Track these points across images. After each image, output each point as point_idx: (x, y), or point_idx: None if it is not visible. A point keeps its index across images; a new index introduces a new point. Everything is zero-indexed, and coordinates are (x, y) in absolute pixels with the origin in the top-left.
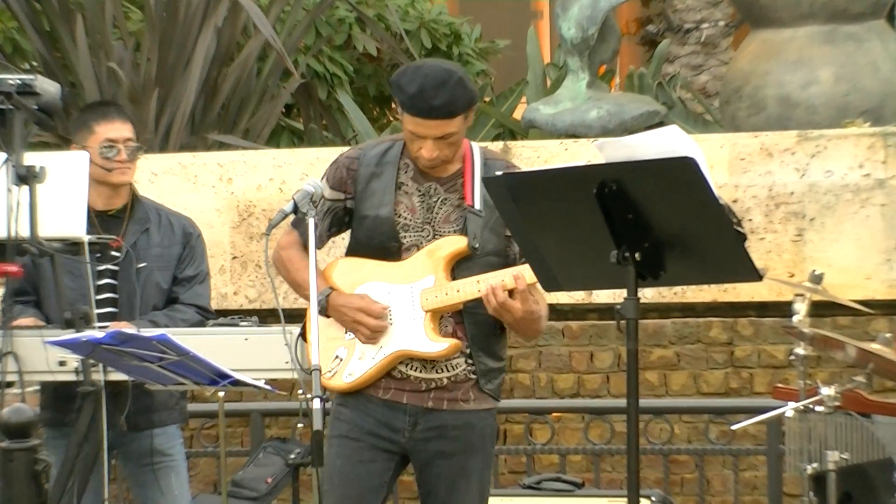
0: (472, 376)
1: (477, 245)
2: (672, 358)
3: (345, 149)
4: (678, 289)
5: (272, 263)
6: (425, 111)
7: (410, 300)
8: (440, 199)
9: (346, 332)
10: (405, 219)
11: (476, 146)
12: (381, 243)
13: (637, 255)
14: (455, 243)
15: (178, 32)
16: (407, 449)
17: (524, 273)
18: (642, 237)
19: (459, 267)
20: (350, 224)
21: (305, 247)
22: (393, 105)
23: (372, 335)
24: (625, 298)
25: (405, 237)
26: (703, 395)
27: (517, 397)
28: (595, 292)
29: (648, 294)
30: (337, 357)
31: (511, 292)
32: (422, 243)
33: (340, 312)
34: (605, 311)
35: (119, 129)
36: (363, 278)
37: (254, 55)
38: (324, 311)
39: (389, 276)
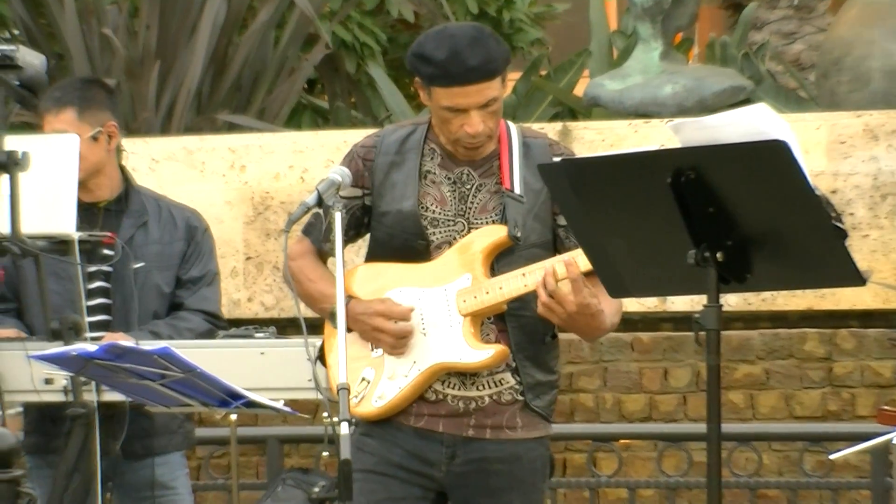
0: (520, 397)
1: (519, 234)
2: (760, 375)
3: (373, 132)
4: (767, 295)
5: (284, 275)
6: (463, 76)
7: (445, 305)
8: (474, 186)
9: (372, 350)
10: (433, 212)
11: (511, 124)
12: (406, 242)
13: (719, 254)
14: (493, 233)
15: None
16: (444, 485)
17: (577, 259)
18: (725, 234)
19: (499, 262)
20: (370, 225)
21: (320, 255)
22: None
23: (396, 343)
24: (704, 306)
25: (434, 233)
26: (797, 419)
27: (578, 421)
28: (670, 299)
29: (732, 301)
30: (363, 379)
31: None
32: (454, 239)
33: (360, 322)
34: (682, 320)
35: (49, 124)
36: (387, 285)
37: (270, 21)
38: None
39: (418, 279)
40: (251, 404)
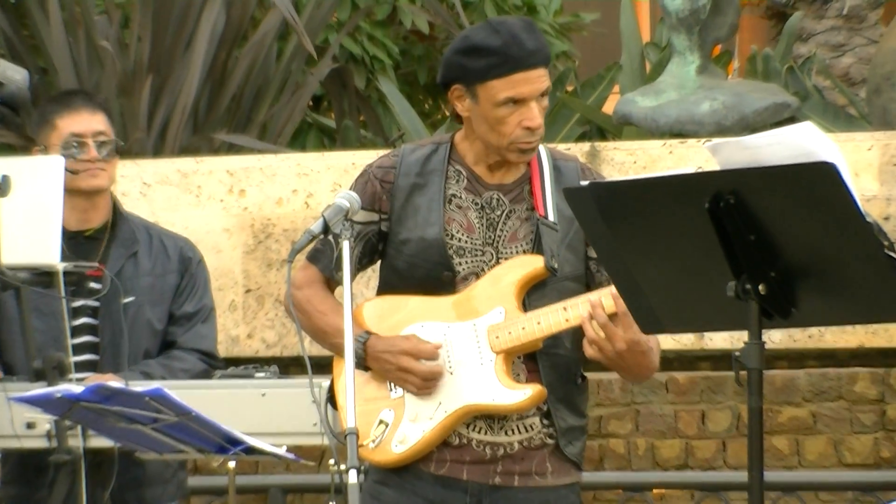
0: (550, 441)
1: (555, 265)
2: (807, 419)
3: (388, 151)
4: (814, 331)
5: (286, 307)
6: (524, 59)
7: (475, 341)
8: (504, 212)
9: (391, 390)
10: (459, 240)
11: (541, 145)
12: (429, 273)
13: (761, 287)
14: (528, 264)
15: (178, 4)
16: None
17: None
18: (768, 264)
19: (530, 296)
20: (384, 253)
21: (328, 284)
22: (426, 106)
23: (425, 384)
24: (746, 343)
25: (460, 263)
26: (847, 466)
27: (609, 469)
28: (707, 335)
29: (776, 338)
30: (381, 422)
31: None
32: (483, 270)
33: (382, 361)
34: (721, 359)
35: (86, 121)
36: (408, 319)
37: (273, 33)
38: (362, 361)
39: (443, 313)
40: (251, 450)
